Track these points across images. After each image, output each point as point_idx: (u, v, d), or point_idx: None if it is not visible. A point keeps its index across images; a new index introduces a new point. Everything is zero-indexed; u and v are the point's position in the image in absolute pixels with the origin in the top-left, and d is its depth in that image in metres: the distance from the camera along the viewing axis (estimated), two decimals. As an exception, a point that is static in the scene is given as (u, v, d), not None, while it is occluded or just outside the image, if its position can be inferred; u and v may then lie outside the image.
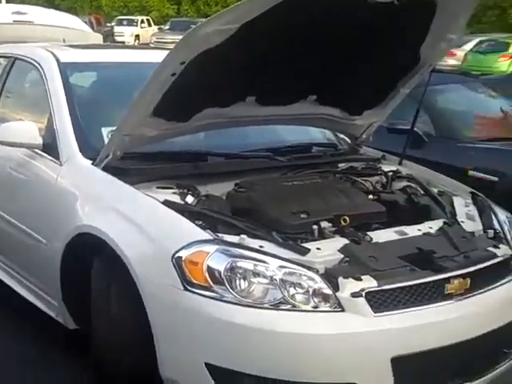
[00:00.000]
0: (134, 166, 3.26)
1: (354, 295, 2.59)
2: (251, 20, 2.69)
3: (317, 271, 2.66)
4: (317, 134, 4.10)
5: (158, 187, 3.13)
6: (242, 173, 3.41)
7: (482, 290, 2.88)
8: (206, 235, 2.73)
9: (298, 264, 2.66)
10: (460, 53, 20.44)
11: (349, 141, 4.14)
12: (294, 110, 3.58)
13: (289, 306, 2.60)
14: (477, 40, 21.16)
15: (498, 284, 2.96)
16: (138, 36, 32.81)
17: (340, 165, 3.85)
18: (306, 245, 2.79)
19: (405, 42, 3.35)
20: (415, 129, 5.62)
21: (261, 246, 2.73)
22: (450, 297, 2.77)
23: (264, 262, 2.64)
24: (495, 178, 5.33)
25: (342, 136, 4.16)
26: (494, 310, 2.90)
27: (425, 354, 2.65)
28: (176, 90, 2.93)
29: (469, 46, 20.78)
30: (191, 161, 3.41)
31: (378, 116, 3.94)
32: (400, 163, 3.92)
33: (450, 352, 2.72)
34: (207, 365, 2.63)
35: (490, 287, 2.92)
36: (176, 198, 3.06)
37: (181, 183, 3.19)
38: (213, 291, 2.62)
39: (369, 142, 4.14)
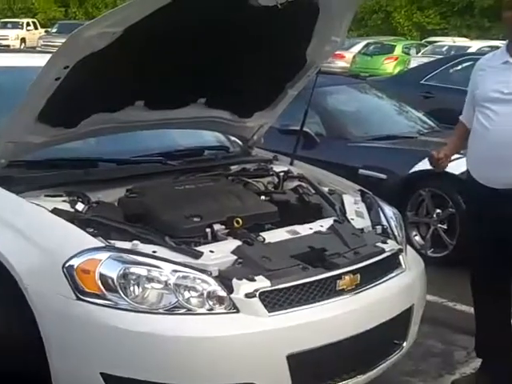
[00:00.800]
0: (20, 175, 3.16)
1: (248, 296, 2.62)
2: (135, 23, 2.66)
3: (210, 274, 2.67)
4: (209, 138, 4.11)
5: (46, 195, 3.05)
6: (133, 178, 3.37)
7: (371, 285, 2.97)
8: (97, 242, 2.68)
9: (191, 267, 2.66)
10: (348, 55, 21.07)
11: (241, 143, 4.17)
12: (183, 113, 3.57)
13: (184, 310, 2.59)
14: (364, 42, 21.88)
15: (387, 278, 3.07)
16: (23, 39, 31.85)
17: (232, 167, 3.88)
18: (199, 248, 2.80)
19: (291, 44, 3.42)
20: (307, 130, 5.83)
21: (154, 252, 2.71)
22: (341, 293, 2.85)
23: (157, 267, 2.63)
24: (383, 176, 5.54)
25: (233, 138, 4.20)
26: (383, 303, 3.00)
27: (320, 350, 2.71)
28: (61, 95, 2.86)
29: (357, 49, 21.45)
30: (81, 167, 3.34)
31: (267, 118, 3.99)
32: (291, 163, 3.98)
33: (344, 346, 2.80)
34: (103, 374, 2.58)
35: (379, 281, 3.02)
36: (66, 206, 2.99)
37: (70, 191, 3.12)
38: (106, 299, 2.58)
39: (260, 144, 4.19)
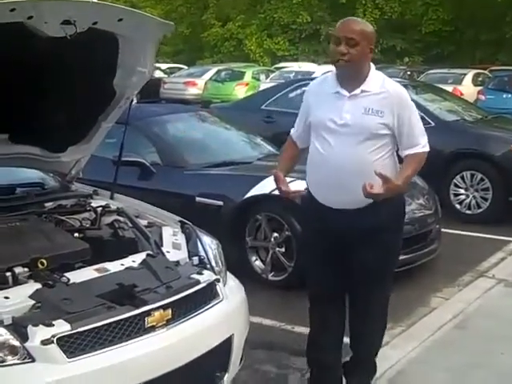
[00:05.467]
0: None
1: (44, 343, 2.45)
2: None
3: (2, 322, 2.47)
4: (22, 174, 3.89)
5: None
6: None
7: (185, 318, 2.88)
8: None
9: None
10: (201, 82, 21.20)
11: (59, 179, 3.99)
12: None
13: None
14: (215, 69, 22.09)
15: (202, 309, 2.99)
16: None
17: (47, 204, 3.69)
18: None
19: (96, 76, 3.32)
20: (142, 160, 5.72)
21: None
22: (151, 330, 2.73)
23: None
24: (220, 203, 5.49)
25: (51, 174, 4.01)
26: (199, 335, 2.92)
27: (128, 393, 2.58)
28: None
29: (208, 75, 21.61)
30: None
31: (83, 151, 3.85)
32: (111, 197, 3.85)
33: (159, 384, 2.69)
34: None
35: (194, 314, 2.93)
36: None
37: None
38: None
39: (78, 178, 4.03)
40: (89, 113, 3.58)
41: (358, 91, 3.12)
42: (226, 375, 3.09)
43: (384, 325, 3.53)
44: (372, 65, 3.18)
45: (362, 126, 3.09)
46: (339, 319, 3.45)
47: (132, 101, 3.70)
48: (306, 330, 3.71)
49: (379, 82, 3.14)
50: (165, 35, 3.57)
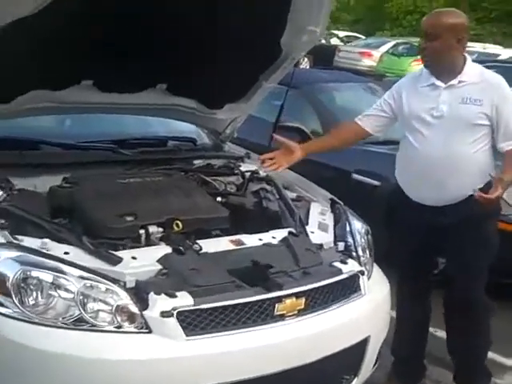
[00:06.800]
0: None
1: (164, 315, 2.24)
2: None
3: (124, 285, 2.30)
4: (176, 127, 3.74)
5: None
6: (76, 166, 3.03)
7: (319, 311, 2.57)
8: None
9: (101, 276, 2.29)
10: (376, 54, 20.51)
11: (212, 136, 3.81)
12: (141, 98, 3.22)
13: (87, 326, 2.23)
14: (393, 42, 21.29)
15: (339, 304, 2.67)
16: None
17: (196, 161, 3.51)
18: (121, 253, 2.43)
19: (264, 32, 3.05)
20: (302, 127, 5.45)
21: (66, 253, 2.36)
22: (279, 318, 2.46)
23: (62, 272, 2.27)
24: (377, 183, 5.12)
25: (205, 131, 3.83)
26: (332, 333, 2.60)
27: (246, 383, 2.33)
28: None
29: (385, 48, 20.87)
30: (18, 148, 3.00)
31: (240, 110, 3.63)
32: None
33: (276, 381, 2.42)
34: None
35: (329, 308, 2.62)
36: None
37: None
38: None
39: (233, 138, 3.83)
40: (250, 70, 3.32)
41: (455, 81, 3.03)
42: (356, 379, 2.77)
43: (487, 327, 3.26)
44: (468, 56, 3.09)
45: (459, 116, 2.99)
46: (426, 314, 3.40)
47: (298, 63, 3.41)
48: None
49: (477, 73, 3.05)
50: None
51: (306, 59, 17.32)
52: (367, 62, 20.42)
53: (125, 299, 2.27)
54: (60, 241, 2.41)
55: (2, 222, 2.45)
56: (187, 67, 3.10)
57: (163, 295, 2.28)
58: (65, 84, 2.92)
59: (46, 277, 2.25)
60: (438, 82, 3.05)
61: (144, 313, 2.25)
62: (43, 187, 2.89)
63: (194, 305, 2.29)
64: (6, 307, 2.22)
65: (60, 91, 2.93)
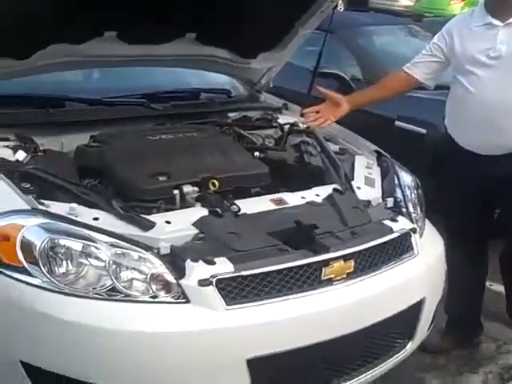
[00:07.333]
0: None
1: (202, 283, 2.07)
2: None
3: (158, 251, 2.12)
4: (208, 79, 3.51)
5: None
6: (105, 123, 2.85)
7: (370, 274, 2.38)
8: (23, 203, 2.16)
9: (133, 243, 2.12)
10: (414, -8, 19.83)
11: (247, 87, 3.59)
12: (169, 49, 3.01)
13: (120, 296, 2.07)
14: (431, -20, 20.53)
15: (391, 265, 2.47)
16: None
17: (231, 114, 3.31)
18: (154, 216, 2.25)
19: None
20: (341, 73, 5.19)
21: (95, 218, 2.19)
22: (327, 283, 2.27)
23: (91, 239, 2.10)
24: (423, 131, 4.86)
25: (239, 82, 3.61)
26: (384, 296, 2.40)
27: (292, 354, 2.16)
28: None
29: (423, -12, 20.15)
30: (43, 106, 2.82)
31: (276, 59, 3.40)
32: (302, 115, 3.37)
33: (327, 349, 2.25)
34: (23, 364, 2.10)
35: (380, 270, 2.42)
36: (7, 153, 2.49)
37: (22, 134, 2.62)
38: (27, 274, 2.07)
39: (268, 87, 3.61)
40: (285, 16, 3.08)
41: None
42: (410, 343, 2.59)
43: None
44: None
45: None
46: (482, 269, 3.26)
47: (336, 6, 3.16)
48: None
49: None
50: None
51: (340, 1, 16.82)
52: (403, 2, 19.66)
53: (159, 267, 2.09)
54: (89, 205, 2.24)
55: (28, 186, 2.28)
56: (217, 14, 2.87)
57: (201, 262, 2.10)
58: (86, 36, 2.72)
59: (75, 245, 2.09)
60: (496, 21, 2.86)
61: (180, 281, 2.08)
62: (70, 146, 2.72)
63: (235, 272, 2.11)
64: (35, 277, 2.06)
65: (81, 44, 2.74)
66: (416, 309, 2.54)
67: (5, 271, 2.09)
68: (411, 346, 2.61)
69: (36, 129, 2.70)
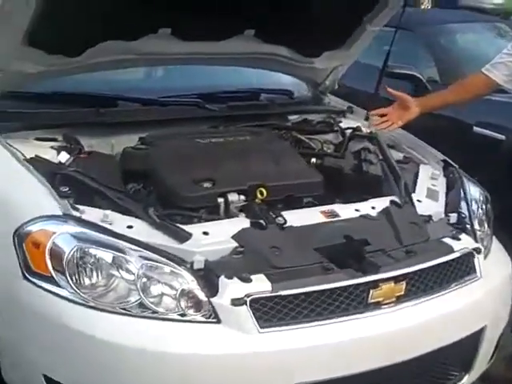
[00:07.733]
0: (11, 109, 2.61)
1: (235, 303, 1.92)
2: None
3: (191, 266, 1.99)
4: (269, 78, 3.34)
5: (37, 138, 2.50)
6: (158, 124, 2.75)
7: (424, 298, 2.19)
8: (56, 208, 2.07)
9: (166, 255, 1.99)
10: (506, -9, 19.05)
11: (311, 88, 3.42)
12: (227, 47, 2.85)
13: (147, 312, 1.95)
14: (526, -23, 19.68)
15: (448, 289, 2.26)
16: None
17: (292, 117, 3.14)
18: (192, 227, 2.12)
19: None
20: (417, 74, 4.93)
21: (129, 227, 2.07)
22: (374, 307, 2.09)
23: (122, 250, 1.99)
24: (502, 137, 4.56)
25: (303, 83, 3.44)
26: (439, 324, 2.19)
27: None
28: (52, 11, 2.23)
29: (517, -16, 19.33)
30: (94, 105, 2.74)
31: (342, 59, 3.21)
32: (366, 119, 3.18)
33: (372, 380, 2.07)
34: (46, 377, 2.02)
35: (436, 293, 2.22)
36: (51, 155, 2.41)
37: (69, 134, 2.54)
38: (54, 284, 1.99)
39: (333, 90, 3.42)
40: (352, 12, 2.89)
41: None
42: (467, 376, 2.37)
43: None
44: None
45: None
46: None
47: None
48: None
49: None
50: None
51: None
52: (494, 0, 19.00)
53: (191, 283, 1.96)
54: (124, 212, 2.13)
55: (66, 189, 2.18)
56: (277, 10, 2.71)
57: (235, 279, 1.96)
58: (140, 33, 2.61)
59: (105, 255, 1.99)
60: None
61: (212, 300, 1.94)
62: (120, 148, 2.63)
63: (272, 291, 1.96)
64: (63, 287, 1.97)
65: (135, 41, 2.63)
66: (475, 338, 2.32)
67: (33, 279, 2.01)
68: (468, 380, 2.38)
69: (86, 129, 2.62)
